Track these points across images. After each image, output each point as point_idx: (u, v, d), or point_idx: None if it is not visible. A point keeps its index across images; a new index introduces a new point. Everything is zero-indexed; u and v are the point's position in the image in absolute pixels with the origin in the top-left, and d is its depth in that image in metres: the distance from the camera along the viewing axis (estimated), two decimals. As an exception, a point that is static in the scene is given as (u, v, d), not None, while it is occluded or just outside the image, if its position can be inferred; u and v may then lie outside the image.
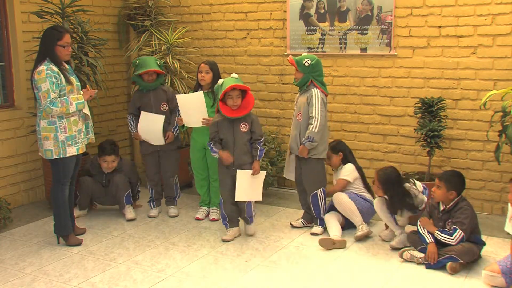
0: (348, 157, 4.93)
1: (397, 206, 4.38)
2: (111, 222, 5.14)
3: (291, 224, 4.98)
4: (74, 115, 4.37)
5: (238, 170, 4.44)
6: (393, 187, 4.34)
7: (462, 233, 3.98)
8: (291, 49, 5.78)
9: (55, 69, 4.24)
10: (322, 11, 5.57)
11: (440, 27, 5.08)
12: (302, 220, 4.95)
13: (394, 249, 4.37)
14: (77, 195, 5.11)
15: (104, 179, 5.26)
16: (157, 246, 4.57)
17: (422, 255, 4.11)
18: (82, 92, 4.47)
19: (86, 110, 4.48)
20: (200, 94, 4.82)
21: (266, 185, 5.53)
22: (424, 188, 4.49)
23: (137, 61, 4.98)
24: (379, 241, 4.60)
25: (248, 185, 4.48)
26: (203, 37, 6.31)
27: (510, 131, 4.13)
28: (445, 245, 4.03)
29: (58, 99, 4.22)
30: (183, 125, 4.98)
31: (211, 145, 4.52)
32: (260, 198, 4.59)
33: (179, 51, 6.08)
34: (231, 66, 6.17)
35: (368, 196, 4.85)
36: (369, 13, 5.34)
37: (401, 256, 4.21)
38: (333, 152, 4.87)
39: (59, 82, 4.24)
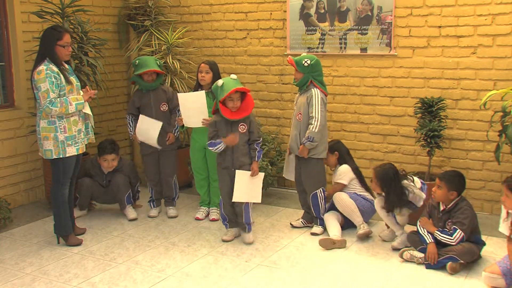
0: (344, 157, 4.92)
1: (394, 203, 4.36)
2: (111, 222, 5.14)
3: (291, 224, 4.98)
4: (74, 115, 4.37)
5: (237, 171, 4.41)
6: (390, 183, 4.33)
7: (462, 233, 3.98)
8: (291, 49, 5.78)
9: (55, 69, 4.24)
10: (322, 11, 5.57)
11: (440, 27, 5.08)
12: (302, 220, 4.95)
13: (396, 249, 4.36)
14: (76, 197, 5.11)
15: (104, 179, 5.26)
16: (157, 246, 4.57)
17: (422, 255, 4.11)
18: (82, 92, 4.48)
19: (87, 110, 4.48)
20: (201, 93, 4.81)
21: (266, 185, 5.53)
22: (422, 183, 4.48)
23: (137, 61, 4.98)
24: (379, 241, 4.60)
25: (247, 186, 4.44)
26: (203, 37, 6.31)
27: (510, 131, 4.13)
28: (445, 245, 4.03)
29: (58, 99, 4.22)
30: (183, 125, 4.98)
31: (212, 141, 4.42)
32: (259, 200, 4.53)
33: (179, 51, 6.08)
34: (231, 66, 6.17)
35: (368, 195, 4.85)
36: (369, 13, 5.34)
37: (401, 256, 4.21)
38: (329, 152, 4.87)
39: (58, 82, 4.24)
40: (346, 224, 4.74)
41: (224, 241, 4.63)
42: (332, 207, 4.80)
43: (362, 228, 4.60)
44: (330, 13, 5.53)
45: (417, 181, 4.46)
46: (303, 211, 5.00)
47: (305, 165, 4.69)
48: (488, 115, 4.87)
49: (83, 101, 4.38)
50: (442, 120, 4.95)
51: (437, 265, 4.01)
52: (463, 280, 3.89)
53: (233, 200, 4.46)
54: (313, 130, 4.49)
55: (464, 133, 5.13)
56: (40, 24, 5.35)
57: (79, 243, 4.58)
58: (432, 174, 4.96)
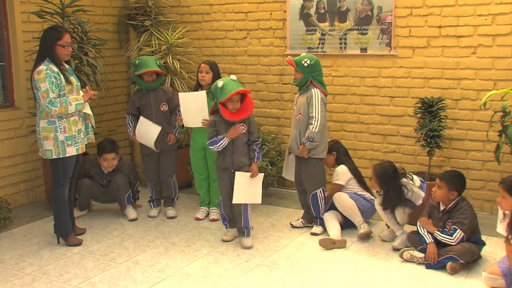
0: (341, 157, 4.92)
1: (393, 202, 4.36)
2: (111, 222, 5.14)
3: (291, 224, 4.98)
4: (74, 115, 4.37)
5: (236, 172, 4.38)
6: (389, 181, 4.33)
7: (462, 234, 3.98)
8: (291, 49, 5.78)
9: (55, 69, 4.24)
10: (322, 11, 5.57)
11: (440, 27, 5.08)
12: (302, 220, 4.95)
13: (396, 249, 4.36)
14: (76, 198, 5.10)
15: (104, 179, 5.26)
16: (157, 246, 4.57)
17: (422, 255, 4.11)
18: (82, 93, 4.47)
19: (87, 110, 4.48)
20: (202, 93, 4.80)
21: (266, 185, 5.54)
22: (421, 181, 4.48)
23: (137, 61, 4.97)
24: (379, 241, 4.60)
25: (246, 188, 4.39)
26: (203, 37, 6.31)
27: (510, 131, 4.13)
28: (445, 245, 4.03)
29: (58, 99, 4.22)
30: (183, 125, 4.98)
31: (213, 139, 4.35)
32: (259, 201, 4.49)
33: (179, 51, 6.08)
34: (231, 66, 6.17)
35: (368, 195, 4.84)
36: (369, 13, 5.34)
37: (401, 256, 4.21)
38: (327, 152, 4.86)
39: (58, 82, 4.24)
40: (346, 224, 4.74)
41: (224, 241, 4.63)
42: (332, 207, 4.80)
43: (363, 228, 4.60)
44: (330, 13, 5.53)
45: (416, 180, 4.45)
46: (303, 211, 5.00)
47: (305, 165, 4.69)
48: (488, 115, 4.87)
49: (83, 101, 4.38)
50: (442, 120, 4.95)
51: (437, 265, 4.01)
52: (463, 280, 3.89)
53: (233, 202, 4.43)
54: (313, 130, 4.49)
55: (464, 133, 5.13)
56: (40, 24, 5.35)
57: (79, 243, 4.58)
58: (432, 174, 4.96)
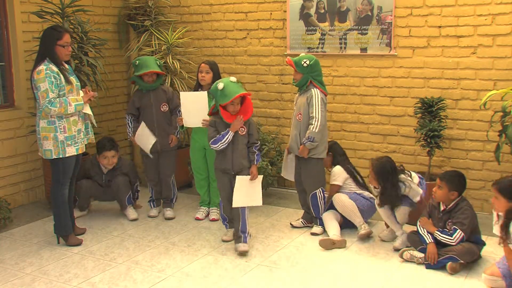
0: (337, 158, 4.92)
1: (390, 197, 4.35)
2: (111, 222, 5.14)
3: (291, 224, 4.98)
4: (74, 115, 4.37)
5: (237, 177, 4.31)
6: (387, 177, 4.32)
7: (462, 234, 3.98)
8: (291, 49, 5.78)
9: (55, 69, 4.24)
10: (322, 11, 5.57)
11: (440, 27, 5.08)
12: (302, 220, 4.95)
13: (397, 250, 4.35)
14: (76, 199, 5.10)
15: (103, 179, 5.25)
16: (157, 246, 4.57)
17: (422, 255, 4.11)
18: (82, 93, 4.47)
19: (87, 111, 4.48)
20: (204, 94, 4.79)
21: (266, 185, 5.54)
22: (420, 178, 4.47)
23: (137, 62, 4.97)
24: (379, 241, 4.60)
25: (246, 191, 4.34)
26: (203, 37, 6.31)
27: (510, 131, 4.13)
28: (445, 245, 4.03)
29: (57, 99, 4.21)
30: (182, 125, 4.98)
31: (217, 137, 4.27)
32: (260, 203, 4.42)
33: (179, 51, 6.08)
34: (231, 66, 6.17)
35: (367, 193, 4.83)
36: (369, 13, 5.34)
37: (401, 256, 4.21)
38: None
39: (58, 82, 4.24)
40: (345, 224, 4.74)
41: (224, 241, 4.62)
42: (330, 207, 4.80)
43: (363, 229, 4.59)
44: (330, 13, 5.53)
45: (415, 176, 4.45)
46: (303, 211, 5.00)
47: (305, 165, 4.69)
48: (488, 115, 4.87)
49: (82, 102, 4.38)
50: (442, 120, 4.95)
51: (437, 265, 4.01)
52: (463, 280, 3.89)
53: (233, 206, 4.36)
54: (314, 130, 4.49)
55: (464, 133, 5.13)
56: (40, 24, 5.35)
57: (79, 243, 4.58)
58: (432, 174, 4.96)
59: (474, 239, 4.08)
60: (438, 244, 4.05)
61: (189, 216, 5.26)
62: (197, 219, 5.17)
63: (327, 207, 4.81)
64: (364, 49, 5.44)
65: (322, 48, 5.63)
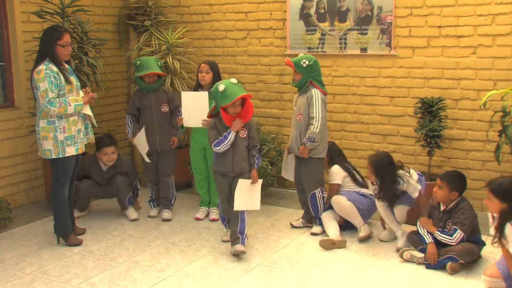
0: (335, 158, 4.92)
1: (388, 193, 4.34)
2: (111, 222, 5.14)
3: (291, 224, 4.98)
4: (74, 115, 4.37)
5: (239, 180, 4.27)
6: (385, 171, 4.32)
7: (462, 234, 3.98)
8: (291, 49, 5.78)
9: (55, 69, 4.24)
10: (322, 11, 5.57)
11: (440, 27, 5.08)
12: (302, 220, 4.95)
13: (399, 250, 4.34)
14: (75, 200, 5.08)
15: (103, 178, 5.24)
16: (157, 246, 4.57)
17: (422, 255, 4.11)
18: (82, 93, 4.47)
19: (87, 111, 4.47)
20: (205, 94, 4.78)
21: (266, 185, 5.53)
22: (419, 175, 4.47)
23: (138, 62, 4.97)
24: (379, 241, 4.60)
25: (247, 195, 4.31)
26: (203, 37, 6.31)
27: (510, 131, 4.13)
28: (445, 245, 4.03)
29: (57, 99, 4.21)
30: (182, 125, 4.97)
31: (219, 139, 4.21)
32: (258, 207, 4.37)
33: (179, 51, 6.08)
34: (231, 66, 6.17)
35: (366, 191, 4.82)
36: (369, 13, 5.34)
37: (401, 256, 4.21)
38: None
39: (58, 82, 4.24)
40: (346, 225, 4.73)
41: (224, 241, 4.62)
42: (330, 207, 4.79)
43: (363, 231, 4.58)
44: (330, 13, 5.53)
45: (413, 173, 4.45)
46: (303, 211, 5.00)
47: (305, 165, 4.68)
48: (488, 115, 4.86)
49: (82, 103, 4.37)
50: (442, 120, 4.95)
51: (437, 265, 4.01)
52: (463, 280, 3.89)
53: (234, 209, 4.31)
54: (314, 130, 4.48)
55: (464, 133, 5.13)
56: (40, 24, 5.35)
57: (79, 243, 4.58)
58: (432, 174, 4.96)
59: (474, 239, 4.08)
60: (438, 244, 4.05)
61: (189, 216, 5.26)
62: (197, 219, 5.17)
63: (327, 207, 4.81)
64: (364, 49, 5.44)
65: (322, 48, 5.63)
